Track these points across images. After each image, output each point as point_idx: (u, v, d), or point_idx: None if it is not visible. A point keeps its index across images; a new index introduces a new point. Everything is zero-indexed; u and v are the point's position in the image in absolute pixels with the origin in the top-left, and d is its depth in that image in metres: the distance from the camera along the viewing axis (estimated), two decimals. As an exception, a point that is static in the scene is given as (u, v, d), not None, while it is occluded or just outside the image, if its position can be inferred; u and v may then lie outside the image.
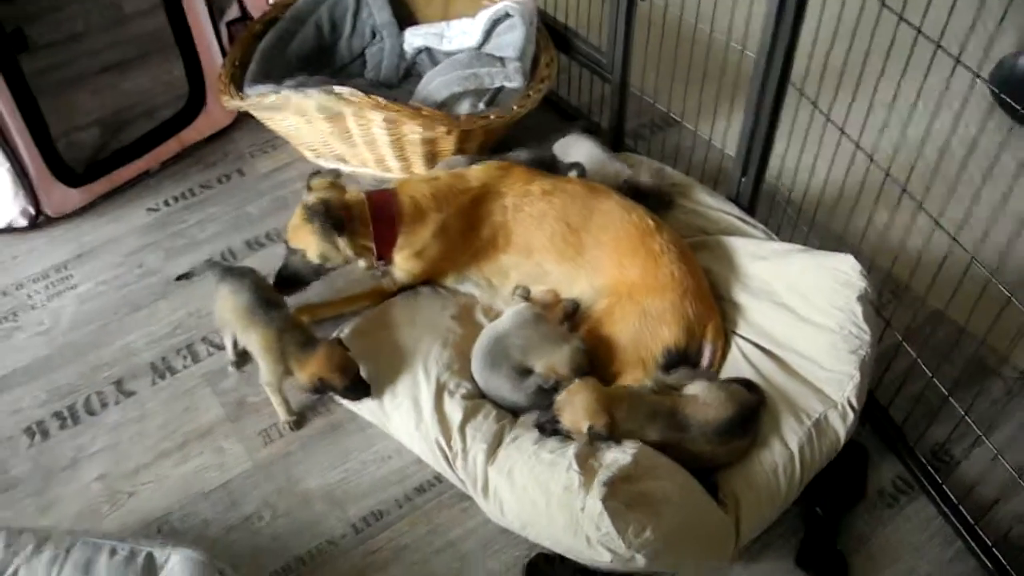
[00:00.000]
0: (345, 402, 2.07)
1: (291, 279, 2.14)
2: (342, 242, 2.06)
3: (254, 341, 2.00)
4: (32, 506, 1.97)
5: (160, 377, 2.21)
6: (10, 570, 1.60)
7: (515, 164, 2.21)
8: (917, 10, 1.62)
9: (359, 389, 1.99)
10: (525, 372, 1.94)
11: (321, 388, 1.97)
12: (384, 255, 2.15)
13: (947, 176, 1.72)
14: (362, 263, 2.17)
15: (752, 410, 1.81)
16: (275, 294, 2.09)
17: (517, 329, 1.98)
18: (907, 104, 1.75)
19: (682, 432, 1.78)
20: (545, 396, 1.89)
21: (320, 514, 1.94)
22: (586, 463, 1.70)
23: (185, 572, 1.60)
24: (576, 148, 2.50)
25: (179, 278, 2.29)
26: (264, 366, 2.01)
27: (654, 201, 2.26)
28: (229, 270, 2.12)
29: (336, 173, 2.17)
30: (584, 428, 1.74)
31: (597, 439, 1.75)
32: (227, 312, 2.06)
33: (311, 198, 2.06)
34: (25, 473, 2.03)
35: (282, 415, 2.09)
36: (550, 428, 1.82)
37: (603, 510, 1.58)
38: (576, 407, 1.77)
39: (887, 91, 1.84)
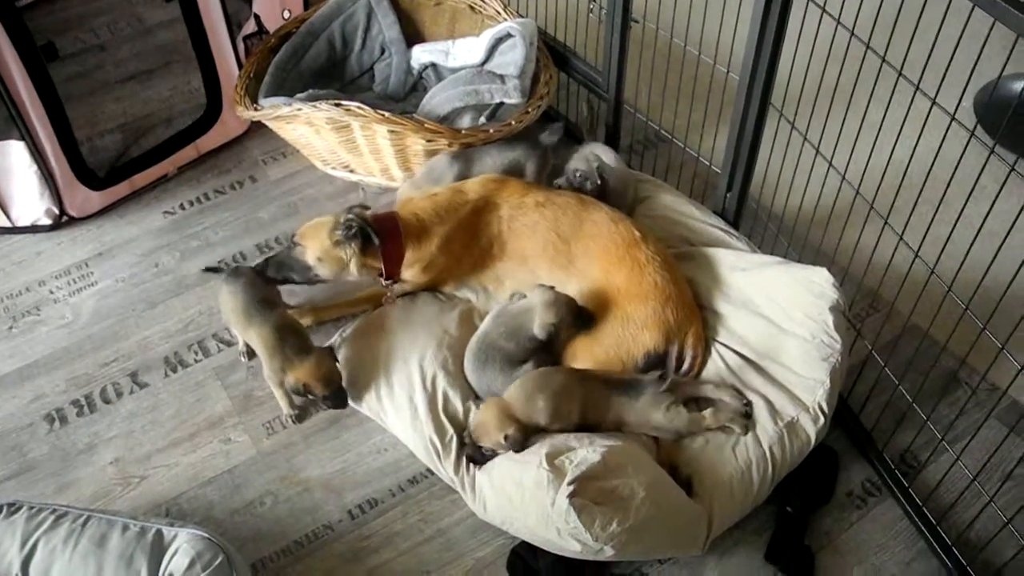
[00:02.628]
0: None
1: (277, 267, 2.21)
2: (349, 253, 2.14)
3: (253, 339, 2.11)
4: (50, 486, 2.07)
5: (172, 370, 2.32)
6: (31, 541, 1.69)
7: (510, 178, 2.31)
8: (903, 38, 1.64)
9: (337, 400, 2.07)
10: (516, 363, 2.03)
11: (303, 393, 2.05)
12: (392, 274, 2.23)
13: (921, 193, 1.79)
14: (352, 277, 2.21)
15: (639, 381, 1.95)
16: (271, 292, 2.17)
17: (494, 324, 2.08)
18: (884, 125, 1.81)
19: (600, 393, 1.91)
20: None
21: (318, 501, 2.04)
22: (555, 461, 1.78)
23: (191, 548, 1.67)
24: (599, 153, 2.57)
25: (206, 270, 2.44)
26: (265, 362, 2.10)
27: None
28: (233, 271, 2.20)
29: (366, 207, 2.23)
30: (501, 440, 1.86)
31: (515, 445, 1.85)
32: (229, 312, 2.17)
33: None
34: (44, 456, 2.13)
35: (285, 408, 2.17)
36: (479, 457, 1.92)
37: (569, 506, 1.67)
38: (487, 428, 1.88)
39: (870, 113, 1.90)
